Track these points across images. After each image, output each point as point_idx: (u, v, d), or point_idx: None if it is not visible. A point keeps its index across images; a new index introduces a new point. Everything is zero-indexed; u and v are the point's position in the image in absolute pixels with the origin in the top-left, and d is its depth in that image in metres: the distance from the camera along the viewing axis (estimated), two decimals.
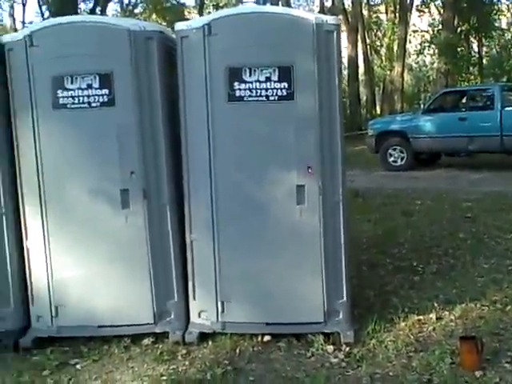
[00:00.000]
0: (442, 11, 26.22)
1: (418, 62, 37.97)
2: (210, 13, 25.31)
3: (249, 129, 4.40)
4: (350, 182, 10.74)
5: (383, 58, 35.42)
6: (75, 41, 4.36)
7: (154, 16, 30.08)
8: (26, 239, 4.53)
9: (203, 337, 4.49)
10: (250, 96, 4.32)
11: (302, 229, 4.42)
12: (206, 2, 33.53)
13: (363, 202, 9.57)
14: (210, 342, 4.45)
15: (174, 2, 30.29)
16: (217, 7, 31.91)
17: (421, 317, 4.77)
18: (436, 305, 4.97)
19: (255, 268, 4.45)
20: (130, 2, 31.47)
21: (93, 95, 4.37)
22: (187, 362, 4.20)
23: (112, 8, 33.15)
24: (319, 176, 4.35)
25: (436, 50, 26.33)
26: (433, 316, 4.76)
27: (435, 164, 14.50)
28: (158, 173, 4.44)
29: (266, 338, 4.44)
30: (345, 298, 4.49)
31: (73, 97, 4.38)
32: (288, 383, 3.88)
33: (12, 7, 32.22)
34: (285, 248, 4.44)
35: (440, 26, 26.02)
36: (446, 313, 4.83)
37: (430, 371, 3.95)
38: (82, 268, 4.49)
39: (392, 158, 14.16)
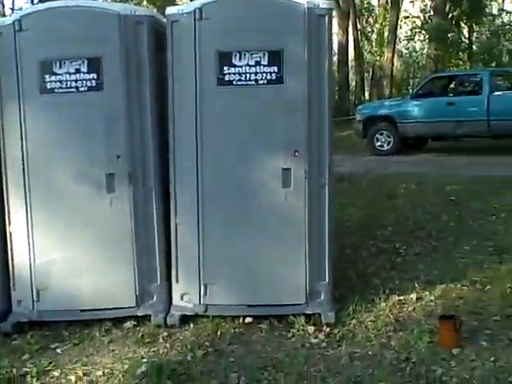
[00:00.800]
0: None
1: (408, 48, 37.93)
2: None
3: (237, 112, 4.41)
4: (337, 167, 10.89)
5: (373, 43, 35.36)
6: (64, 25, 4.34)
7: (144, 2, 29.85)
8: (9, 224, 4.52)
9: (185, 319, 4.51)
10: (239, 80, 4.33)
11: (286, 212, 4.46)
12: None
13: (349, 185, 9.59)
14: (191, 325, 4.47)
15: None
16: None
17: (401, 297, 4.82)
18: (417, 285, 5.01)
19: (239, 251, 4.48)
20: None
21: (81, 80, 4.36)
22: (168, 345, 4.22)
23: None
24: (306, 159, 4.38)
25: (426, 36, 26.28)
26: (413, 296, 4.81)
27: (422, 149, 14.54)
28: (144, 157, 4.45)
29: (248, 319, 4.47)
30: (327, 280, 4.53)
31: (60, 81, 4.37)
32: (268, 363, 3.90)
33: None
34: (269, 231, 4.47)
35: (431, 12, 25.95)
36: (427, 293, 4.88)
37: (408, 350, 3.99)
38: (64, 252, 4.50)
39: (379, 143, 14.18)
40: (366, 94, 32.11)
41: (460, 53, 27.77)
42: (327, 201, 4.48)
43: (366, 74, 35.36)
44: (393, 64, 27.93)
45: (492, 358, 3.80)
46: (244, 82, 4.33)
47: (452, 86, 14.98)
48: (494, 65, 24.96)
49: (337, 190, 8.62)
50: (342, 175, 9.94)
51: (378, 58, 32.03)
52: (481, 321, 4.36)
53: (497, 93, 12.90)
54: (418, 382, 3.60)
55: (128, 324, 4.50)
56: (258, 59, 4.30)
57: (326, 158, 4.47)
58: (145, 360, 3.99)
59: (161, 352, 4.12)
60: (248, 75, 4.32)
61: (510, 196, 8.07)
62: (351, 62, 31.75)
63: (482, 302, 4.68)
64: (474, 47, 30.11)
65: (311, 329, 4.35)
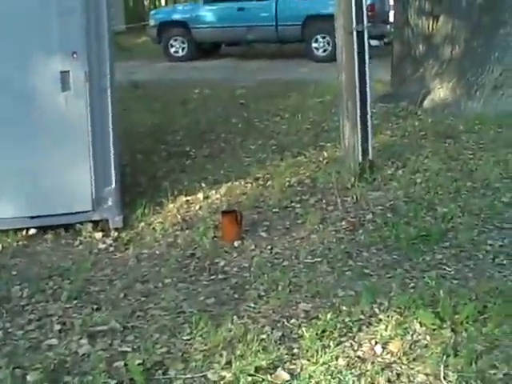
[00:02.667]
0: None
1: None
2: None
3: (6, 14, 4.08)
4: (131, 74, 10.63)
5: None
6: None
7: None
8: None
9: None
10: None
11: (68, 117, 4.29)
12: None
13: (143, 92, 9.46)
14: None
15: None
16: None
17: (189, 197, 4.95)
18: (204, 185, 5.17)
19: (20, 161, 4.25)
20: None
21: None
22: None
23: None
24: (85, 62, 4.22)
25: None
26: (200, 196, 4.96)
27: (216, 54, 14.67)
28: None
29: (32, 231, 4.32)
30: (113, 185, 4.49)
31: None
32: (54, 273, 3.83)
33: None
34: (51, 138, 4.28)
35: None
36: (213, 192, 5.06)
37: (193, 246, 4.15)
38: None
39: (174, 49, 14.05)
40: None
41: None
42: (110, 105, 4.38)
43: None
44: None
45: (269, 247, 4.09)
46: None
47: None
48: None
49: (130, 97, 8.56)
50: (135, 82, 9.80)
51: None
52: (261, 213, 4.65)
53: None
54: (201, 275, 3.77)
55: None
56: None
57: (107, 62, 4.33)
58: None
59: None
60: None
61: (293, 98, 8.50)
62: None
63: (263, 196, 4.96)
64: None
65: (99, 235, 4.33)
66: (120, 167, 4.77)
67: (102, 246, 4.21)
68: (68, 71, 4.22)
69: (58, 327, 3.19)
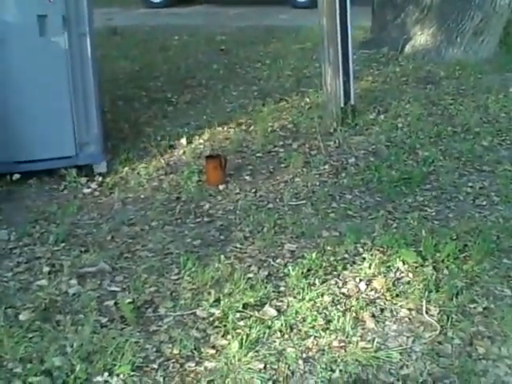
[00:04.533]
0: None
1: None
2: None
3: None
4: (109, 20, 10.41)
5: None
6: None
7: None
8: None
9: None
10: None
11: (47, 62, 4.22)
12: None
13: (122, 39, 9.29)
14: None
15: None
16: None
17: (172, 143, 4.95)
18: (187, 131, 5.17)
19: (2, 107, 4.20)
20: None
21: None
22: None
23: None
24: (63, 7, 4.13)
25: None
26: (183, 141, 4.95)
27: (195, 1, 14.35)
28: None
29: (16, 176, 4.28)
30: (96, 130, 4.46)
31: None
32: (40, 217, 3.84)
33: None
34: (31, 83, 4.21)
35: None
36: (196, 137, 5.06)
37: (178, 190, 4.17)
38: None
39: None
40: None
41: None
42: (89, 50, 4.31)
43: None
44: None
45: (254, 190, 4.13)
46: None
47: None
48: None
49: (109, 44, 8.42)
50: (114, 28, 9.60)
51: None
52: (244, 158, 4.67)
53: None
54: (187, 217, 3.81)
55: None
56: None
57: (85, 7, 4.24)
58: None
59: None
60: None
61: (274, 44, 8.43)
62: None
63: (246, 141, 4.98)
64: None
65: (83, 180, 4.33)
66: (102, 113, 4.74)
67: (86, 190, 4.21)
68: (45, 15, 4.15)
69: (47, 269, 3.22)
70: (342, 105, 5.17)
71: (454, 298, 2.87)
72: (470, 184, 4.10)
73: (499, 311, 2.76)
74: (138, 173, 4.44)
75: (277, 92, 6.21)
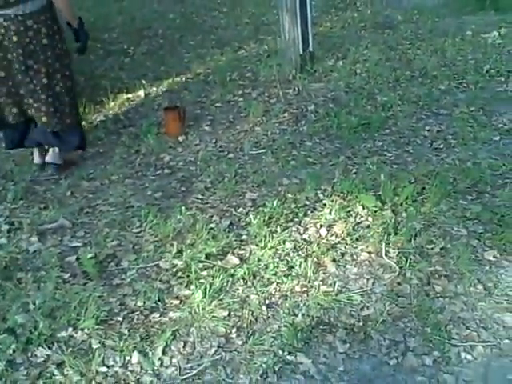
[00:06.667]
0: None
1: None
2: None
3: None
4: None
5: None
6: None
7: None
8: None
9: None
10: None
11: None
12: None
13: None
14: None
15: None
16: None
17: (130, 95, 4.88)
18: (144, 82, 5.08)
19: None
20: None
21: None
22: None
23: None
24: None
25: None
26: (141, 93, 4.89)
27: None
28: None
29: None
30: None
31: None
32: None
33: None
34: None
35: None
36: (154, 89, 4.99)
37: (137, 143, 4.13)
38: None
39: None
40: None
41: None
42: None
43: None
44: None
45: (214, 140, 4.11)
46: None
47: None
48: None
49: None
50: None
51: None
52: (204, 108, 4.63)
53: None
54: (147, 170, 3.78)
55: None
56: None
57: None
58: None
59: None
60: None
61: None
62: None
63: (205, 91, 4.93)
64: None
65: None
66: None
67: None
68: None
69: (6, 227, 3.18)
70: (301, 52, 5.13)
71: (413, 240, 2.93)
72: (427, 127, 4.13)
73: (455, 251, 2.83)
74: (95, 126, 4.37)
75: (235, 40, 6.13)
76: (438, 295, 2.59)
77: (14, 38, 3.32)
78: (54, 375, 2.24)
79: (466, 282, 2.65)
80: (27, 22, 3.32)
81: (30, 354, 2.33)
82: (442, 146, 3.90)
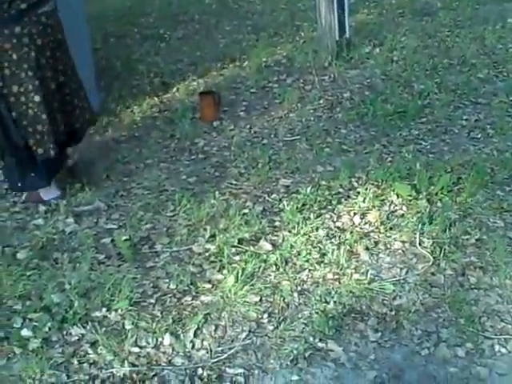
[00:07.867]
0: None
1: None
2: None
3: None
4: None
5: None
6: None
7: None
8: None
9: None
10: None
11: None
12: None
13: None
14: None
15: None
16: None
17: (166, 80, 4.89)
18: (180, 67, 5.10)
19: None
20: None
21: None
22: None
23: None
24: None
25: None
26: (177, 78, 4.90)
27: None
28: None
29: None
30: (88, 68, 4.38)
31: None
32: None
33: None
34: None
35: None
36: (190, 74, 5.00)
37: (173, 127, 4.15)
38: None
39: None
40: None
41: None
42: None
43: None
44: None
45: (248, 126, 4.11)
46: None
47: None
48: None
49: None
50: None
51: None
52: (239, 94, 4.63)
53: None
54: (182, 154, 3.80)
55: None
56: None
57: None
58: None
59: None
60: None
61: None
62: None
63: (240, 77, 4.92)
64: None
65: None
66: (93, 50, 4.67)
67: None
68: None
69: (43, 208, 3.23)
70: (337, 38, 5.08)
71: (447, 230, 2.89)
72: (465, 117, 4.08)
73: (491, 242, 2.80)
74: (131, 111, 4.40)
75: (270, 26, 6.09)
76: (473, 287, 2.56)
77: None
78: (87, 354, 2.27)
79: (501, 275, 2.61)
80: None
81: (64, 333, 2.37)
82: (479, 135, 3.84)
